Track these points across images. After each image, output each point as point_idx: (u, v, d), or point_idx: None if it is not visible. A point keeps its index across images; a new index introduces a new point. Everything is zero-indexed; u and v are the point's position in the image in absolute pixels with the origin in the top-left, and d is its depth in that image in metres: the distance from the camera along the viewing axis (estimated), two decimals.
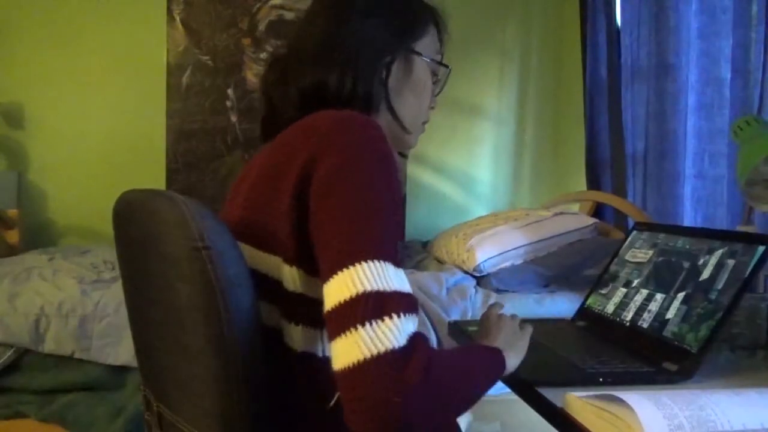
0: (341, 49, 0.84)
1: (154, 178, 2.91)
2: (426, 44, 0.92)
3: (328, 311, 0.64)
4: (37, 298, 1.73)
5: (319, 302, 0.67)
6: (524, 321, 0.99)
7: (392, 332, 0.60)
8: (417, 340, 0.62)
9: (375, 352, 0.59)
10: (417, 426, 0.60)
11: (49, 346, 1.68)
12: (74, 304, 1.72)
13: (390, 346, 0.59)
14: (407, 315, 0.62)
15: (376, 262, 0.64)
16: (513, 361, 0.85)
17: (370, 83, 0.85)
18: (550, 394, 0.82)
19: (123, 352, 1.68)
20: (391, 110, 0.89)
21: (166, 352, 0.80)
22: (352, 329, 0.60)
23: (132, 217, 0.82)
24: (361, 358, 0.59)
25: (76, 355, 1.69)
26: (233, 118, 3.01)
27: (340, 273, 0.64)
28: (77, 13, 2.85)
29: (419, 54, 0.91)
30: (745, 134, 1.35)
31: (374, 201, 0.68)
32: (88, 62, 2.88)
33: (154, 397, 0.87)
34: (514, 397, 0.91)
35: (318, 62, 0.84)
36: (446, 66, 0.96)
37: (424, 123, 0.96)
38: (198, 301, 0.70)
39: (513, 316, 0.97)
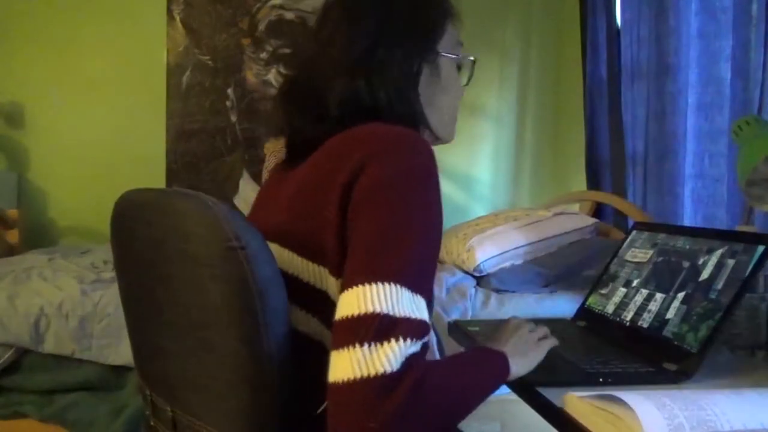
0: (368, 63, 0.82)
1: (154, 178, 2.91)
2: (446, 42, 0.90)
3: (336, 321, 0.65)
4: (37, 298, 1.73)
5: None
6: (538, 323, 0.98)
7: (388, 357, 0.61)
8: (413, 361, 0.62)
9: (366, 374, 0.60)
10: None
11: (49, 346, 1.68)
12: (74, 304, 1.72)
13: (382, 371, 0.60)
14: (411, 340, 0.63)
15: (392, 285, 0.64)
16: (518, 367, 0.83)
17: (405, 95, 0.84)
18: (550, 394, 0.82)
19: (123, 352, 1.68)
20: (424, 120, 0.87)
21: (180, 354, 0.79)
22: (351, 347, 0.61)
23: (142, 216, 0.81)
24: (352, 377, 0.60)
25: (76, 355, 1.69)
26: (233, 118, 3.01)
27: (355, 287, 0.64)
28: (77, 13, 2.85)
29: (443, 55, 0.90)
30: (745, 134, 1.34)
31: (408, 223, 0.68)
32: (88, 62, 2.88)
33: (163, 401, 0.85)
34: (514, 397, 0.91)
35: (352, 76, 0.82)
36: (470, 57, 0.95)
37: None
38: (233, 302, 0.69)
39: (537, 328, 0.95)
